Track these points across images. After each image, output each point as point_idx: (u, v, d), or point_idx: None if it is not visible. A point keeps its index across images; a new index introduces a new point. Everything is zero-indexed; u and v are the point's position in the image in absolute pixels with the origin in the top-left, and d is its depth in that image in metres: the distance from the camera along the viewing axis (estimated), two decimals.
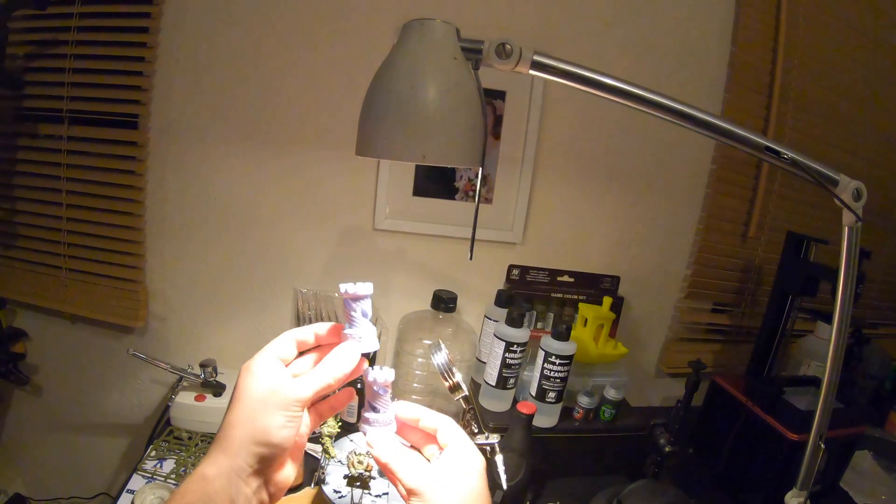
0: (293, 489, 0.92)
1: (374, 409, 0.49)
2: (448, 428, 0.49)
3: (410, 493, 0.45)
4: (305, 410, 0.47)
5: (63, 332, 1.27)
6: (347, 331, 0.49)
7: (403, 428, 0.51)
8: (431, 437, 0.50)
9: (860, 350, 1.45)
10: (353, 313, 0.49)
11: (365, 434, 0.49)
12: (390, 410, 0.50)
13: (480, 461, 0.48)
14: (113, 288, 1.21)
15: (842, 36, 1.36)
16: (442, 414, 0.50)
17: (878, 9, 1.39)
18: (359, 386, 0.87)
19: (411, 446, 0.52)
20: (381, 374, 0.49)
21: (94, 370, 1.30)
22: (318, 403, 0.52)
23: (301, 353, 0.50)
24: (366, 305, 0.50)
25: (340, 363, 0.47)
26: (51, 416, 1.34)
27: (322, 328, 0.50)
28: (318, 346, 0.51)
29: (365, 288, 0.49)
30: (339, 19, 1.12)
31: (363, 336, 0.49)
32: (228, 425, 0.44)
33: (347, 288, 0.49)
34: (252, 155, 1.16)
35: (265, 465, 0.44)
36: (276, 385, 0.45)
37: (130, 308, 1.21)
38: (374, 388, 0.49)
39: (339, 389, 0.50)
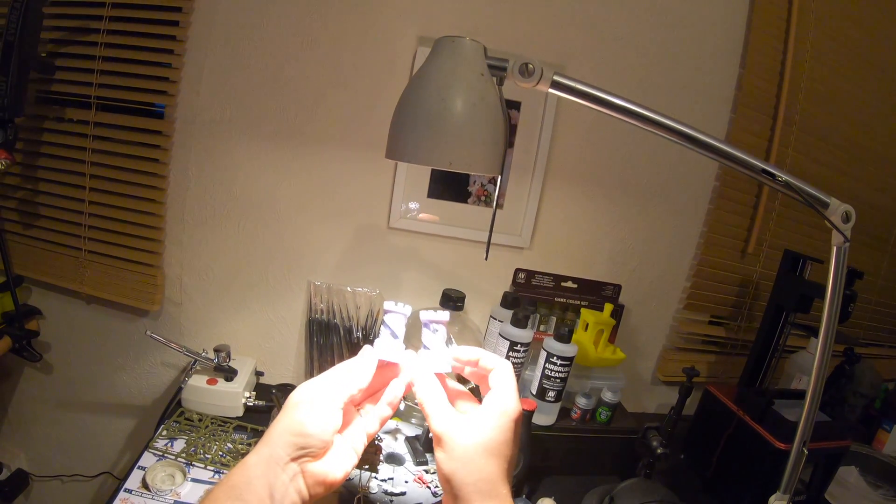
0: None
1: (425, 347, 0.57)
2: (499, 370, 0.54)
3: (435, 438, 0.51)
4: (341, 414, 0.52)
5: (78, 312, 1.30)
6: (375, 342, 0.57)
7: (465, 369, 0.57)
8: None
9: (851, 368, 1.48)
10: (382, 328, 0.57)
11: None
12: (443, 352, 0.57)
13: (512, 410, 0.52)
14: (131, 271, 1.24)
15: (846, 62, 1.40)
16: (501, 358, 0.55)
17: (883, 36, 1.43)
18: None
19: (474, 387, 0.58)
20: (431, 315, 0.57)
21: (106, 351, 1.32)
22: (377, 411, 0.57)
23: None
24: (395, 323, 0.57)
25: (362, 367, 0.55)
26: (59, 394, 1.37)
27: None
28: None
29: (400, 308, 0.57)
30: (365, 24, 1.15)
31: (384, 348, 0.56)
32: (271, 426, 0.51)
33: (387, 305, 0.57)
34: (274, 150, 1.19)
35: (301, 454, 0.49)
36: (313, 391, 0.52)
37: (147, 292, 1.24)
38: (423, 325, 0.57)
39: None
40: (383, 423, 0.57)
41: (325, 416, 0.50)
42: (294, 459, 0.49)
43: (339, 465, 0.52)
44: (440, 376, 0.56)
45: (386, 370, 0.57)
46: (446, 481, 0.49)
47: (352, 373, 0.54)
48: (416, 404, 0.56)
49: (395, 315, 0.57)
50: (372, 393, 0.57)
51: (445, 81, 0.58)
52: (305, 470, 0.49)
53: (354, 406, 0.57)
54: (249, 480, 0.47)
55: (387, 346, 0.56)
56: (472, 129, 0.58)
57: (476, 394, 0.56)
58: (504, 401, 0.52)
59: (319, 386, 0.53)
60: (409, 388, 0.56)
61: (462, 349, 0.57)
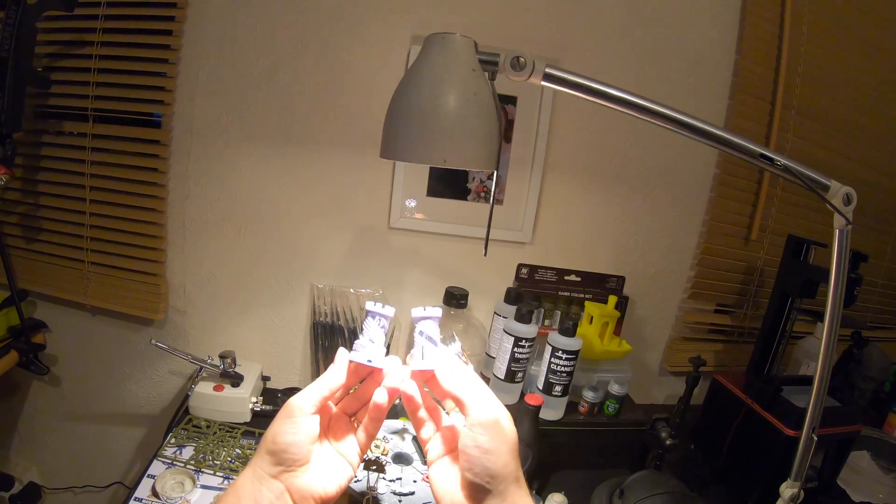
0: None
1: (431, 340, 0.56)
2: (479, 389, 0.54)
3: (484, 425, 0.50)
4: (316, 421, 0.52)
5: (83, 324, 1.30)
6: (355, 342, 0.56)
7: (432, 381, 0.57)
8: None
9: (860, 352, 1.47)
10: (364, 325, 0.56)
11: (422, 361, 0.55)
12: (441, 348, 0.56)
13: (509, 415, 0.53)
14: (134, 281, 1.24)
15: (843, 44, 1.39)
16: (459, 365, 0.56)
17: (879, 17, 1.42)
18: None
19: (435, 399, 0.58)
20: (422, 311, 0.57)
21: (112, 361, 1.33)
22: (365, 424, 0.57)
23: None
24: (370, 327, 0.56)
25: (332, 371, 0.54)
26: (68, 406, 1.37)
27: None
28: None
29: (383, 309, 0.57)
30: (357, 25, 1.15)
31: (360, 348, 0.55)
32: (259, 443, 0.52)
33: (369, 305, 0.56)
34: (272, 155, 1.19)
35: (281, 469, 0.49)
36: (288, 404, 0.52)
37: (151, 301, 1.24)
38: (423, 321, 0.57)
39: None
40: (372, 434, 0.56)
41: (295, 426, 0.50)
42: (275, 476, 0.49)
43: (331, 478, 0.51)
44: (425, 373, 0.56)
45: (372, 378, 0.56)
46: (491, 476, 0.48)
47: (321, 378, 0.54)
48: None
49: (376, 317, 0.56)
50: (364, 403, 0.57)
51: (437, 78, 0.57)
52: (291, 486, 0.49)
53: (348, 416, 0.57)
54: (238, 499, 0.48)
55: (363, 348, 0.55)
56: (465, 125, 0.57)
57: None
58: (501, 408, 0.52)
59: (294, 396, 0.52)
60: (393, 394, 0.55)
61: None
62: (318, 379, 0.54)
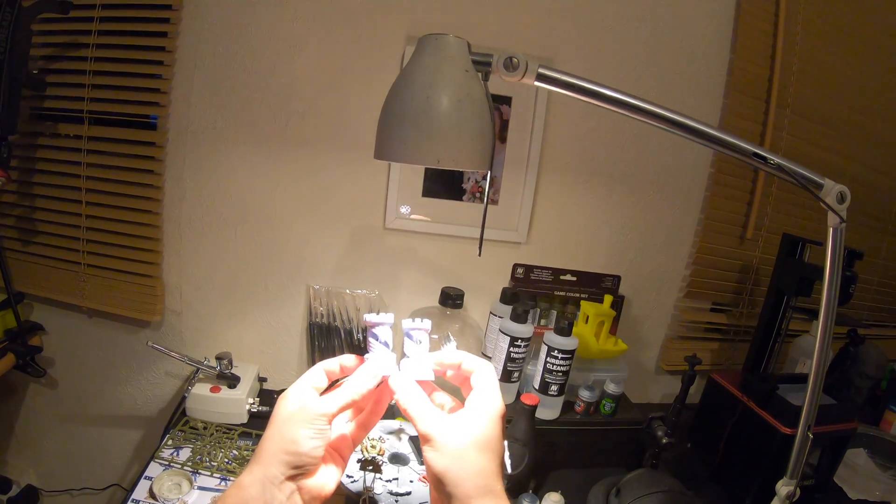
0: None
1: (405, 355, 0.55)
2: (481, 371, 0.53)
3: (423, 438, 0.49)
4: (334, 425, 0.51)
5: (79, 326, 1.30)
6: (368, 356, 0.55)
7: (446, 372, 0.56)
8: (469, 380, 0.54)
9: (856, 350, 1.47)
10: (372, 340, 0.55)
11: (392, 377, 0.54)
12: (425, 359, 0.55)
13: (499, 407, 0.51)
14: (130, 283, 1.24)
15: (838, 42, 1.39)
16: (482, 360, 0.54)
17: (874, 15, 1.42)
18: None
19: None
20: (412, 324, 0.55)
21: (109, 363, 1.33)
22: (361, 418, 0.57)
23: (333, 384, 0.55)
24: (384, 334, 0.55)
25: (361, 381, 0.53)
26: (65, 408, 1.37)
27: (348, 360, 0.56)
28: (345, 377, 0.56)
29: (384, 318, 0.55)
30: (352, 27, 1.15)
31: (383, 360, 0.54)
32: (262, 441, 0.50)
33: (370, 318, 0.55)
34: (268, 156, 1.19)
35: (296, 472, 0.48)
36: (304, 403, 0.50)
37: (147, 303, 1.24)
38: (405, 335, 0.55)
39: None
40: (367, 427, 0.56)
41: (317, 433, 0.49)
42: (289, 478, 0.48)
43: (331, 476, 0.51)
44: (425, 385, 0.55)
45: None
46: (439, 481, 0.47)
47: (349, 386, 0.52)
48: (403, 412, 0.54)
49: (383, 326, 0.55)
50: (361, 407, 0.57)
51: (430, 79, 0.57)
52: (301, 487, 0.49)
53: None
54: (245, 502, 0.47)
55: (383, 358, 0.55)
56: (458, 126, 0.57)
57: (458, 396, 0.55)
58: (489, 397, 0.51)
59: (308, 397, 0.51)
60: (391, 395, 0.54)
61: (445, 353, 0.56)
62: (343, 386, 0.52)
